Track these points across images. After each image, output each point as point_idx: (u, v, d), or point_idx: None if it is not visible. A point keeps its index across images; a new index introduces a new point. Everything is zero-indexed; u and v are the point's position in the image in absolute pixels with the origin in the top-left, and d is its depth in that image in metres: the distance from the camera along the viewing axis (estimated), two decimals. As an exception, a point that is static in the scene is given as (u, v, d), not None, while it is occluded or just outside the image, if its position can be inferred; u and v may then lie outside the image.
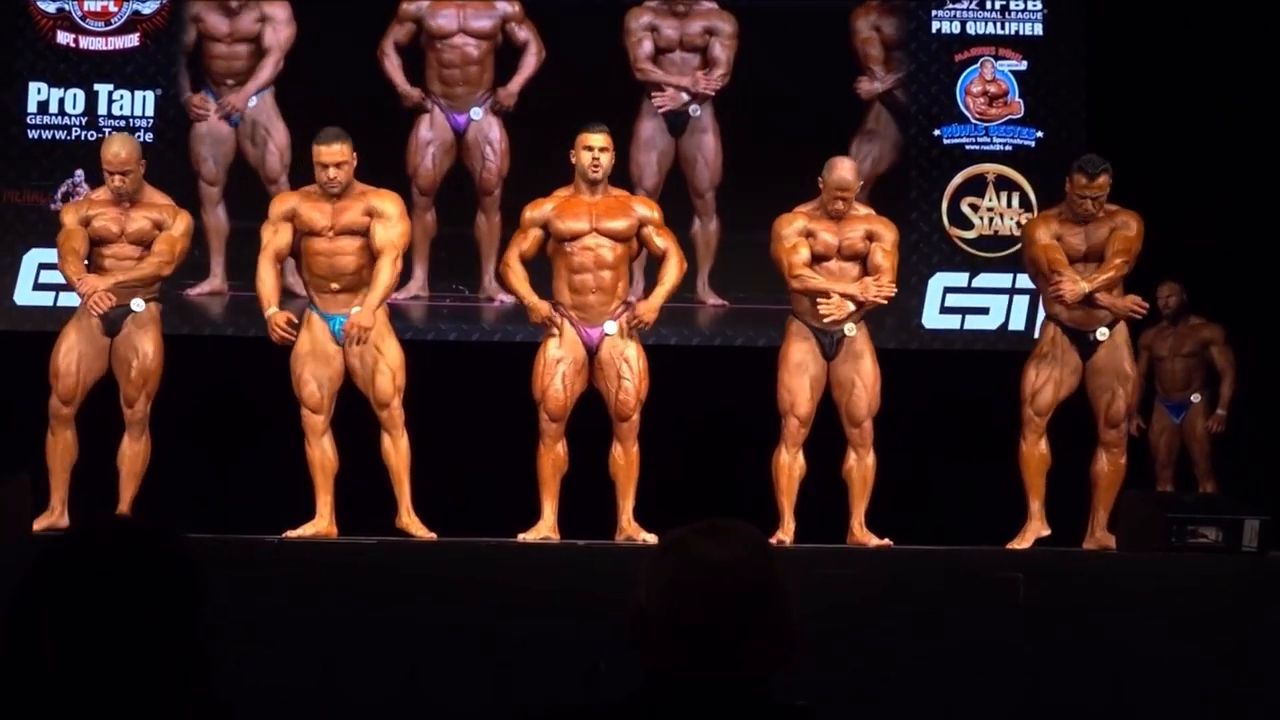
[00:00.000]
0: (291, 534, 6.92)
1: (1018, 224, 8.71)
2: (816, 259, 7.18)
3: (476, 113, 9.29)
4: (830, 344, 7.23)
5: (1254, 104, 9.18)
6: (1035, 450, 7.31)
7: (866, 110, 9.39)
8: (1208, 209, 7.31)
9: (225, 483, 8.46)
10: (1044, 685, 6.10)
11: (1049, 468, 7.31)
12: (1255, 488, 7.70)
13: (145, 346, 7.12)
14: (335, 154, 6.97)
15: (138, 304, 7.12)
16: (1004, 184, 9.37)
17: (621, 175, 8.74)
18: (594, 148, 7.18)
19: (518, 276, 7.19)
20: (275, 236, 7.04)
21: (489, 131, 9.28)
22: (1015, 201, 9.33)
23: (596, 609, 4.67)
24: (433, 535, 7.05)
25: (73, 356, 7.09)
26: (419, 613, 6.03)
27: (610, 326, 7.14)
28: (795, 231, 7.18)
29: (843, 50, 9.41)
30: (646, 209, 7.28)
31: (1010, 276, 9.28)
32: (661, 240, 7.21)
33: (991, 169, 9.36)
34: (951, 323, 9.37)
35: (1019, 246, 9.06)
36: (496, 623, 5.98)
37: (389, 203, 7.08)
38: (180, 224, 7.19)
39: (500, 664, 5.91)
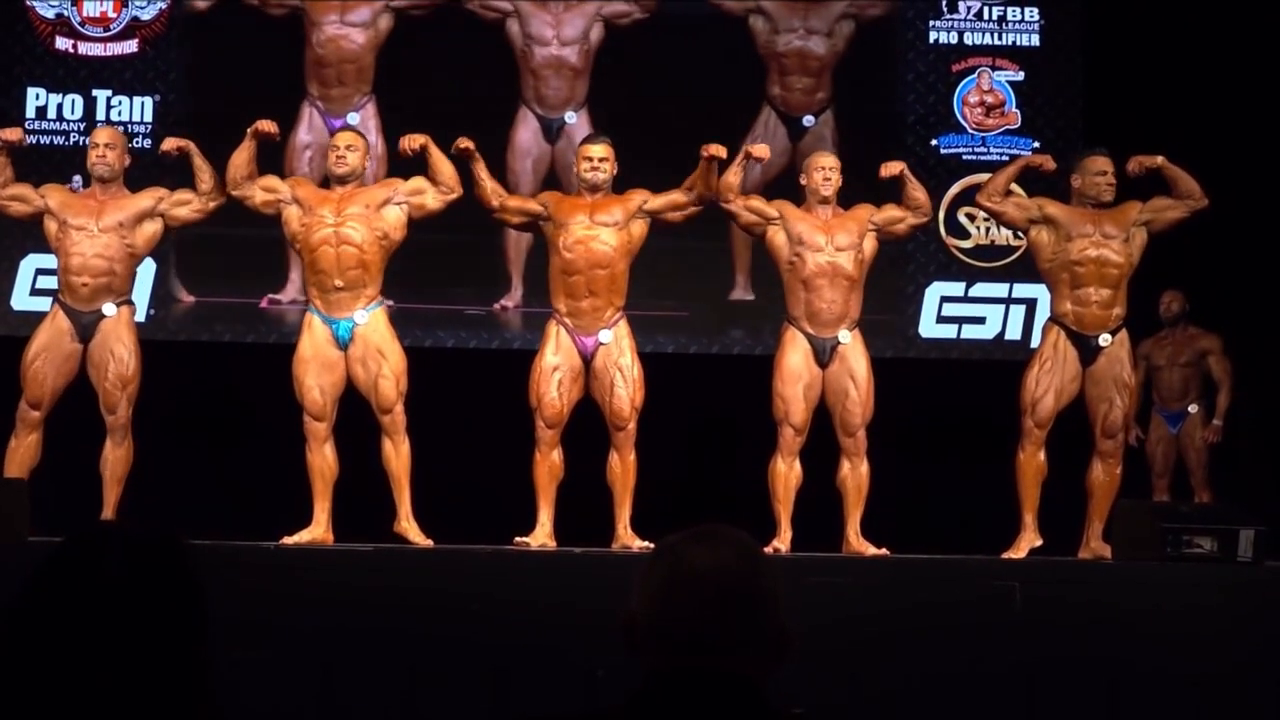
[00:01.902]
0: (288, 540, 6.91)
1: (1015, 234, 8.71)
2: (810, 251, 7.18)
3: (354, 117, 9.09)
4: (825, 351, 7.23)
5: (1252, 112, 9.18)
6: (1033, 461, 7.30)
7: (755, 116, 9.37)
8: (1205, 219, 7.31)
9: (221, 488, 8.44)
10: (1039, 694, 6.10)
11: (1044, 478, 7.32)
12: (1251, 498, 7.70)
13: (121, 351, 7.06)
14: (346, 137, 7.20)
15: (109, 308, 7.07)
16: (1001, 193, 9.35)
17: (497, 181, 8.68)
18: (593, 158, 7.21)
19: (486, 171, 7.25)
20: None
21: (367, 135, 9.10)
22: (1012, 211, 9.31)
23: (593, 616, 4.67)
24: (429, 542, 7.05)
25: (42, 360, 7.05)
26: (415, 619, 6.03)
27: (605, 335, 7.14)
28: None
29: (736, 53, 9.37)
30: (639, 193, 7.26)
31: (1007, 286, 9.30)
32: (665, 193, 7.23)
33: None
34: (948, 332, 9.38)
35: (1016, 256, 9.12)
36: (493, 630, 5.98)
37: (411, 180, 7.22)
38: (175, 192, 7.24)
39: (497, 671, 5.91)
